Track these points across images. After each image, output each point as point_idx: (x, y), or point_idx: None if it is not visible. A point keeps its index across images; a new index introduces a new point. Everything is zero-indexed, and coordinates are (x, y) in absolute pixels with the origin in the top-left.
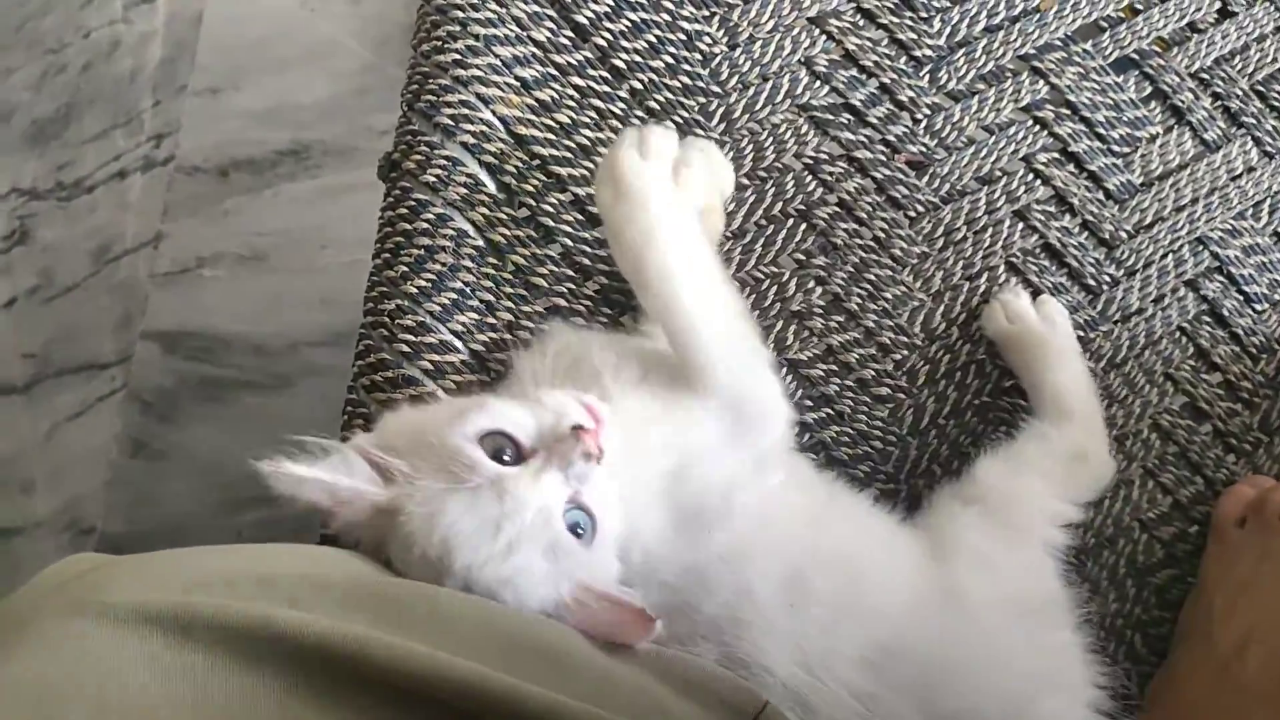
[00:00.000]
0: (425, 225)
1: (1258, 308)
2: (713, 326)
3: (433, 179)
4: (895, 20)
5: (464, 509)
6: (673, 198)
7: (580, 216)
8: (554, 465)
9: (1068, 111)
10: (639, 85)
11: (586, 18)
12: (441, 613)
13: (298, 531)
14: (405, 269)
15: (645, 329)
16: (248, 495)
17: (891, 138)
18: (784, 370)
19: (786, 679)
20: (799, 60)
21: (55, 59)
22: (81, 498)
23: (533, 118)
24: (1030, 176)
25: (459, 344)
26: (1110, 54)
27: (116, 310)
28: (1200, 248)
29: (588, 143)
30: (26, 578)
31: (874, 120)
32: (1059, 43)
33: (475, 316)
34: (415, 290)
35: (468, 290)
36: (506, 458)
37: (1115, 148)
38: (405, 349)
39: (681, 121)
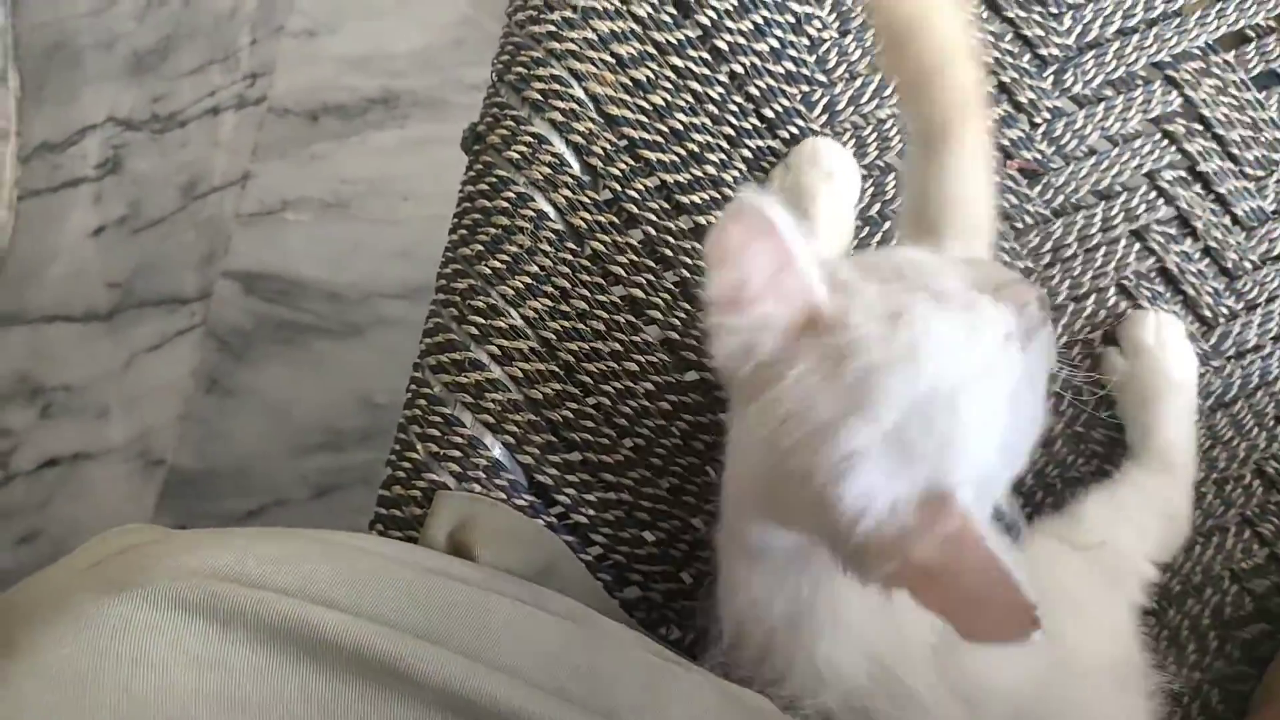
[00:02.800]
0: (505, 204)
1: None
2: None
3: (516, 156)
4: (1023, 14)
5: (932, 309)
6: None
7: (666, 205)
8: (1009, 302)
9: (1200, 127)
10: (740, 69)
11: None
12: (486, 624)
13: (365, 480)
14: (481, 248)
15: None
16: (314, 442)
17: (1006, 142)
18: None
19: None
20: None
21: None
22: (153, 429)
23: (625, 97)
24: (1153, 194)
25: (529, 331)
26: (1254, 67)
27: (200, 246)
28: None
29: (680, 127)
30: (96, 503)
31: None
32: (1198, 51)
33: (549, 303)
34: (489, 270)
35: (543, 275)
36: None
37: (1248, 170)
38: (474, 331)
39: (781, 110)
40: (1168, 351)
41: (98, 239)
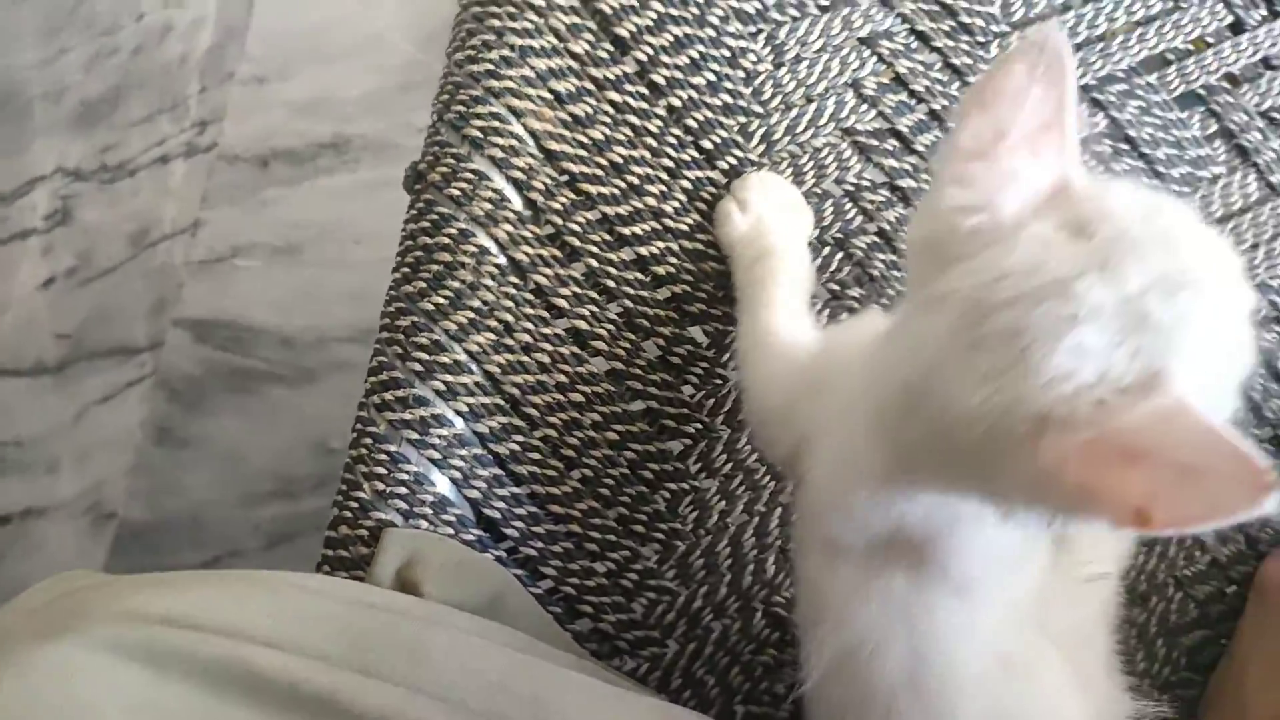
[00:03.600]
0: (446, 240)
1: None
2: None
3: (457, 193)
4: (950, 44)
5: (1190, 216)
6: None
7: (608, 236)
8: None
9: (1126, 146)
10: (677, 102)
11: (628, 30)
12: (428, 655)
13: (319, 527)
14: (424, 285)
15: None
16: (266, 490)
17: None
18: None
19: None
20: (846, 82)
21: (107, 41)
22: (105, 482)
23: (565, 133)
24: None
25: (474, 365)
26: (1175, 88)
27: (151, 295)
28: (1260, 295)
29: (620, 160)
30: (47, 559)
31: (921, 148)
32: (1121, 74)
33: (493, 337)
34: (432, 307)
35: (486, 310)
36: None
37: (1174, 187)
38: (418, 368)
39: (719, 142)
40: None
41: (47, 290)
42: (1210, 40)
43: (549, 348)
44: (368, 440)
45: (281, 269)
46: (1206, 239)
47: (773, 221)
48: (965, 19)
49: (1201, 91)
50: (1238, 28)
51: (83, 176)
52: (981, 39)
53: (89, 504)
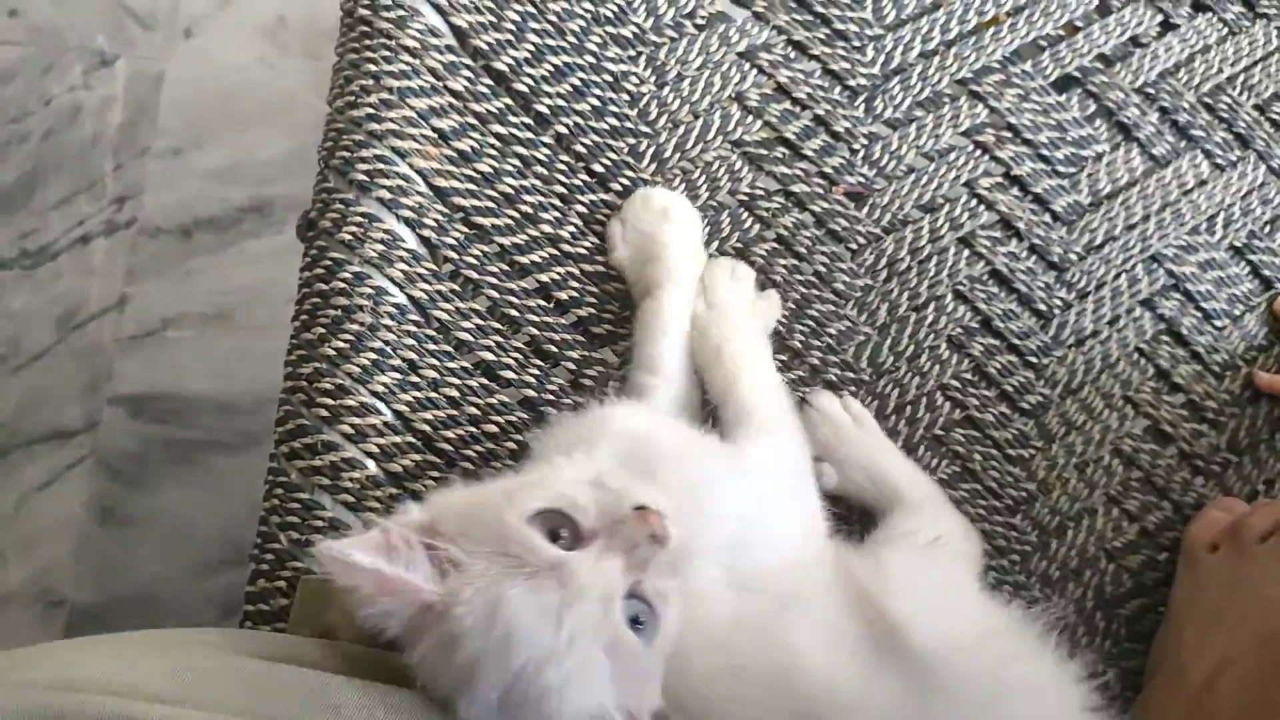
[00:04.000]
0: (341, 285)
1: (1218, 324)
2: (769, 390)
3: (349, 237)
4: (827, 51)
5: (525, 596)
6: (748, 312)
7: (506, 267)
8: (616, 549)
9: (1009, 134)
10: (564, 130)
11: (506, 64)
12: (332, 704)
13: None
14: (323, 330)
15: (642, 379)
16: (218, 558)
17: (829, 170)
18: None
19: None
20: (730, 96)
21: (17, 128)
22: (51, 568)
23: (452, 169)
24: (974, 202)
25: (381, 406)
26: (1051, 73)
27: (83, 376)
28: (1155, 265)
29: (511, 191)
30: None
31: (810, 153)
32: (997, 65)
33: (398, 376)
34: (333, 352)
35: (388, 349)
36: (563, 537)
37: (1060, 168)
38: (324, 413)
39: (610, 164)
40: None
41: None
42: (1079, 24)
43: (457, 381)
44: (279, 491)
45: (214, 336)
46: (538, 617)
47: (652, 231)
48: (839, 25)
49: (1077, 74)
50: (1104, 10)
51: (4, 265)
52: (857, 43)
53: (37, 591)
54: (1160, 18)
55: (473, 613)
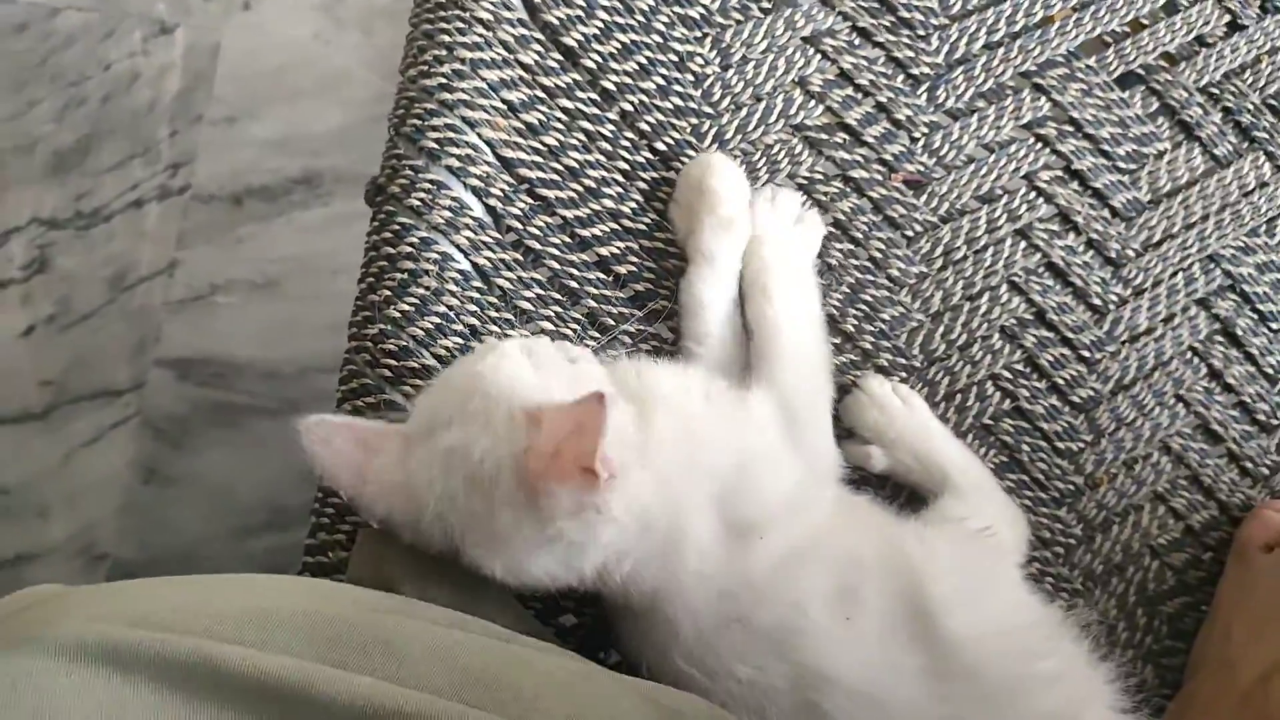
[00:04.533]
0: (409, 249)
1: (1273, 326)
2: (794, 336)
3: (417, 203)
4: (892, 38)
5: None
6: (787, 240)
7: (568, 239)
8: None
9: (1071, 128)
10: (629, 107)
11: (575, 40)
12: (398, 646)
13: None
14: (389, 293)
15: (688, 346)
16: (259, 521)
17: (888, 157)
18: None
19: (854, 691)
20: (793, 80)
21: (76, 91)
22: (95, 524)
23: (520, 140)
24: (1032, 194)
25: (442, 369)
26: (1115, 69)
27: (131, 337)
28: (1212, 265)
29: (575, 165)
30: None
31: (870, 139)
32: (1061, 59)
33: (459, 341)
34: (399, 315)
35: (452, 315)
36: None
37: (1121, 164)
38: (388, 374)
39: (673, 142)
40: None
41: (28, 339)
42: (1145, 21)
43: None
44: None
45: (260, 304)
46: (467, 361)
47: (700, 186)
48: (904, 13)
49: (1140, 71)
50: (1171, 8)
51: (58, 225)
52: (922, 32)
53: (80, 546)
54: (1228, 18)
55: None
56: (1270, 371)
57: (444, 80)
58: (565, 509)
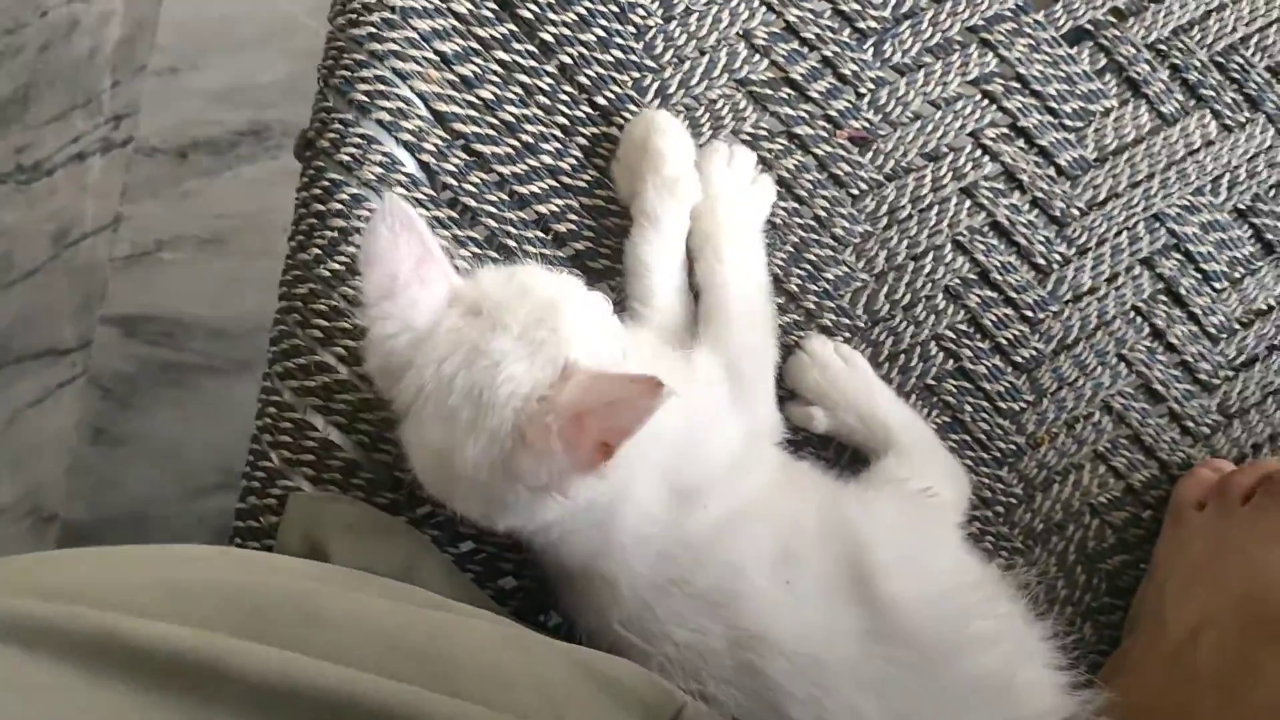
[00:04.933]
0: (339, 206)
1: (1216, 286)
2: (741, 301)
3: (347, 158)
4: None
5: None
6: (742, 200)
7: (505, 197)
8: None
9: (1018, 85)
10: (568, 60)
11: None
12: (320, 616)
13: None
14: (319, 252)
15: (633, 306)
16: (209, 483)
17: (834, 113)
18: None
19: (794, 652)
20: (737, 33)
21: (12, 40)
22: (43, 485)
23: (454, 94)
24: (978, 152)
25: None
26: (1063, 25)
27: (76, 295)
28: (1156, 224)
29: (512, 119)
30: None
31: (815, 95)
32: (1009, 14)
33: None
34: (329, 274)
35: None
36: None
37: (1068, 122)
38: (318, 334)
39: (614, 97)
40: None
41: None
42: None
43: None
44: (272, 410)
45: (208, 260)
46: (547, 277)
47: (639, 167)
48: None
49: (1089, 27)
50: None
51: None
52: None
53: (28, 507)
54: None
55: (494, 278)
56: (1212, 331)
57: (373, 29)
58: (540, 475)
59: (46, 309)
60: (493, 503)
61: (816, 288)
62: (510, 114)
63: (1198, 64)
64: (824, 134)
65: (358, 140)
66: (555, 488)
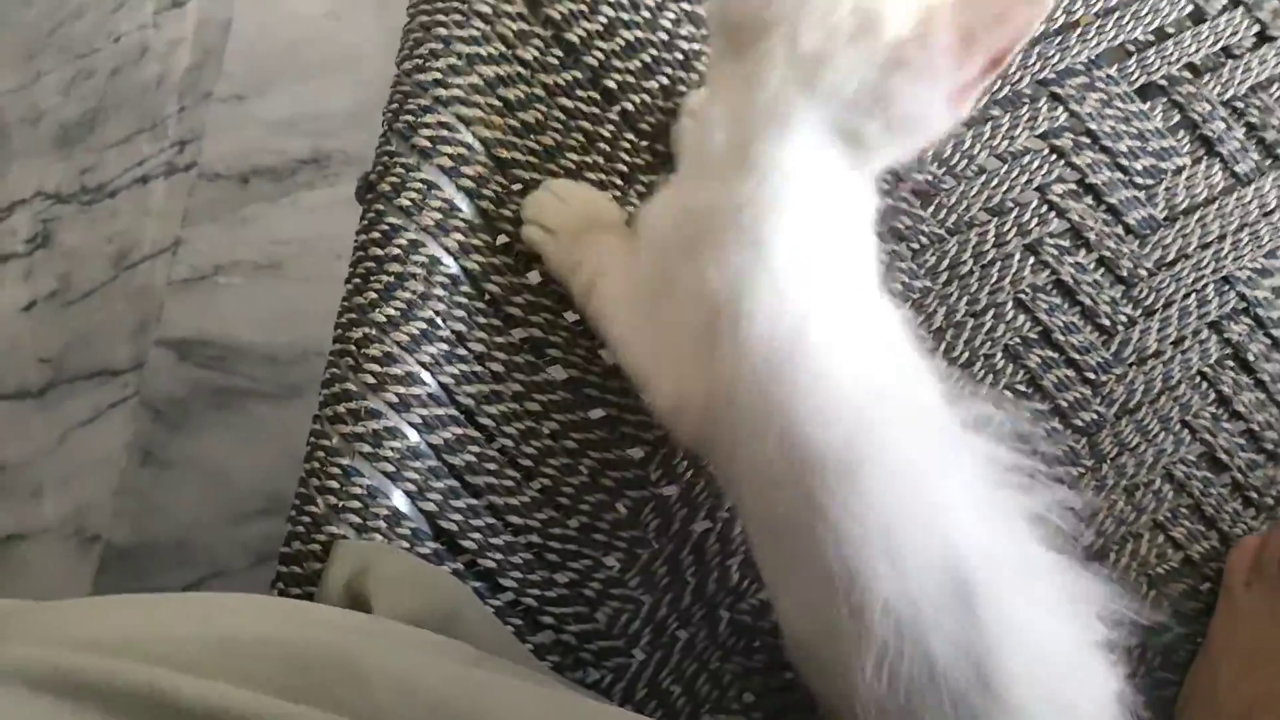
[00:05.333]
0: (397, 251)
1: None
2: None
3: (407, 203)
4: None
5: None
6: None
7: None
8: None
9: (1088, 140)
10: (630, 107)
11: (578, 36)
12: (364, 676)
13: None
14: (374, 296)
15: None
16: (254, 508)
17: (897, 166)
18: None
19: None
20: None
21: (85, 63)
22: (89, 505)
23: (515, 140)
24: (1044, 208)
25: (427, 376)
26: (1136, 79)
27: (132, 316)
28: (1226, 287)
29: (573, 166)
30: (32, 583)
31: None
32: (1081, 67)
33: (445, 348)
34: (384, 319)
35: (438, 320)
36: None
37: (1138, 179)
38: (370, 380)
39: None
40: None
41: (29, 314)
42: (1170, 30)
43: (503, 356)
44: (320, 454)
45: (264, 286)
46: None
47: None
48: None
49: (1163, 82)
50: (1198, 17)
51: (63, 199)
52: None
53: (74, 528)
54: (1257, 28)
55: None
56: None
57: (439, 75)
58: (934, 94)
59: (102, 329)
60: (869, 120)
61: None
62: (571, 161)
63: (1275, 123)
64: (886, 186)
65: (419, 185)
66: (960, 99)
